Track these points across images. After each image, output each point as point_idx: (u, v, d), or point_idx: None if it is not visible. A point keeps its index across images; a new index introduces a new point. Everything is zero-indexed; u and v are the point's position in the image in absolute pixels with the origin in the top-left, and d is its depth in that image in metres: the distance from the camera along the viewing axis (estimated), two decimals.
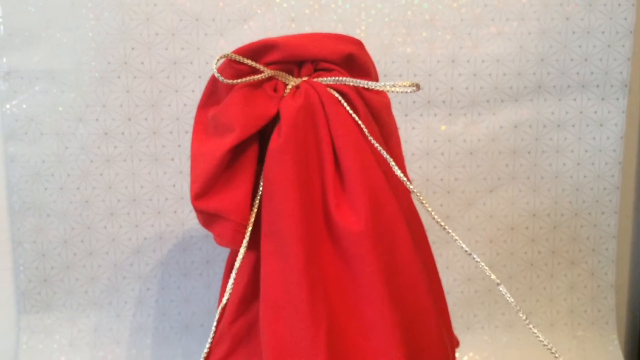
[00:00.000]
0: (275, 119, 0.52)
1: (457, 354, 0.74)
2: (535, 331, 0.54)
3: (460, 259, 0.86)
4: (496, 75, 0.82)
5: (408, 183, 0.53)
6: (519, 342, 0.87)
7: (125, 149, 0.80)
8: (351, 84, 0.53)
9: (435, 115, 0.82)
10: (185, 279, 0.84)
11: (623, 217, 0.89)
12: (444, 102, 0.82)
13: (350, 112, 0.52)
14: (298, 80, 0.53)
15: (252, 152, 0.52)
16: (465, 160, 0.84)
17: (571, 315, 0.89)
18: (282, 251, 0.50)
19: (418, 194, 0.54)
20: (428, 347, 0.53)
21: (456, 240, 0.54)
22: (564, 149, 0.84)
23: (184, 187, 0.82)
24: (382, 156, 0.53)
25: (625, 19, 0.81)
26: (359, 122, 0.52)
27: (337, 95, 0.52)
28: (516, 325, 0.88)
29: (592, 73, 0.82)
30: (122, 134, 0.80)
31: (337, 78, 0.53)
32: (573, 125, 0.84)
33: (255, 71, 0.51)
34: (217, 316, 0.54)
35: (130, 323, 0.84)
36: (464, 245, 0.54)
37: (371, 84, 0.53)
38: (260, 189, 0.53)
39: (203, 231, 0.82)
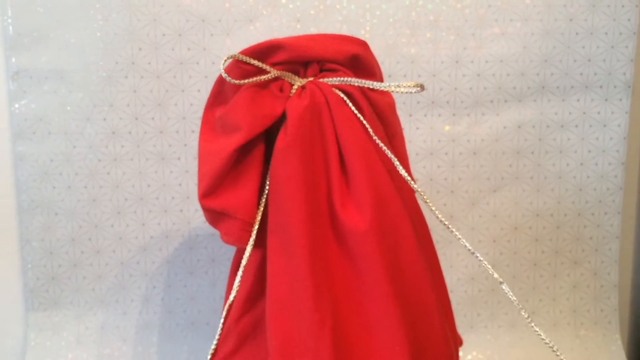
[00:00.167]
0: (281, 119, 0.52)
1: (460, 353, 0.74)
2: (538, 330, 0.54)
3: (463, 259, 0.86)
4: (500, 76, 0.82)
5: (412, 183, 0.53)
6: (522, 341, 0.87)
7: (132, 148, 0.81)
8: (356, 84, 0.53)
9: (439, 115, 0.83)
10: (191, 277, 0.85)
11: (626, 217, 0.90)
12: (447, 102, 0.82)
13: (356, 112, 0.53)
14: (304, 81, 0.53)
15: (259, 151, 0.53)
16: (468, 160, 0.84)
17: (574, 314, 0.89)
18: (288, 249, 0.50)
19: (422, 194, 0.54)
20: (432, 345, 0.53)
21: (460, 239, 0.54)
22: (567, 150, 0.85)
23: (190, 186, 0.82)
24: (386, 156, 0.53)
25: (629, 20, 0.81)
26: (364, 122, 0.53)
27: (342, 95, 0.53)
28: (519, 325, 0.88)
29: (595, 74, 0.82)
30: (129, 133, 0.80)
31: (342, 78, 0.53)
32: (576, 126, 0.84)
33: (262, 71, 0.52)
34: (224, 313, 0.54)
35: (137, 320, 0.85)
36: (467, 244, 0.54)
37: (376, 85, 0.53)
38: (267, 187, 0.53)
39: (209, 230, 0.83)
